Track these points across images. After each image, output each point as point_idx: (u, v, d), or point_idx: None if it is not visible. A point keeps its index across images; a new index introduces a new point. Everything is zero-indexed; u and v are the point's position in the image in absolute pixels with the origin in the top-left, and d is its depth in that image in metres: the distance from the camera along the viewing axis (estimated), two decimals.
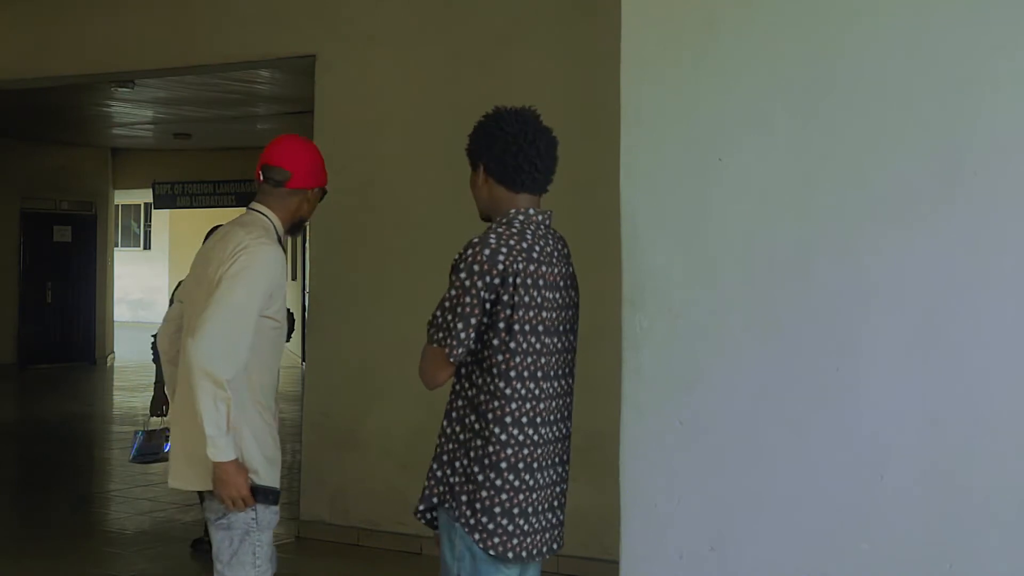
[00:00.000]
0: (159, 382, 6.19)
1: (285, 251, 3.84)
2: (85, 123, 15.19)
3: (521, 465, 3.13)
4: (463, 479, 3.13)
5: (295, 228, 3.91)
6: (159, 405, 6.35)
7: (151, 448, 6.26)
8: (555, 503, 3.26)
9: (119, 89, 11.68)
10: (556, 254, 3.25)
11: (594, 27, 5.89)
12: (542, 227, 3.25)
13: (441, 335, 3.10)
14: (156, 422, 6.47)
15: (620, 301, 3.29)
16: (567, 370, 3.29)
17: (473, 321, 3.06)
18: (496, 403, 3.11)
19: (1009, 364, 2.86)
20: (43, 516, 8.01)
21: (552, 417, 3.21)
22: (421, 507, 3.22)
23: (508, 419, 3.11)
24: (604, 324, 3.74)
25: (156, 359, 5.96)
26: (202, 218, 23.97)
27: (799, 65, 3.11)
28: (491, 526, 3.11)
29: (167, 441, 5.78)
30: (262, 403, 3.74)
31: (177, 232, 26.81)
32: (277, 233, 3.80)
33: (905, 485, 2.95)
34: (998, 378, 2.87)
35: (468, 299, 3.06)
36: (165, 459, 5.95)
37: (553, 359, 3.20)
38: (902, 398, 2.95)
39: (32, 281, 17.00)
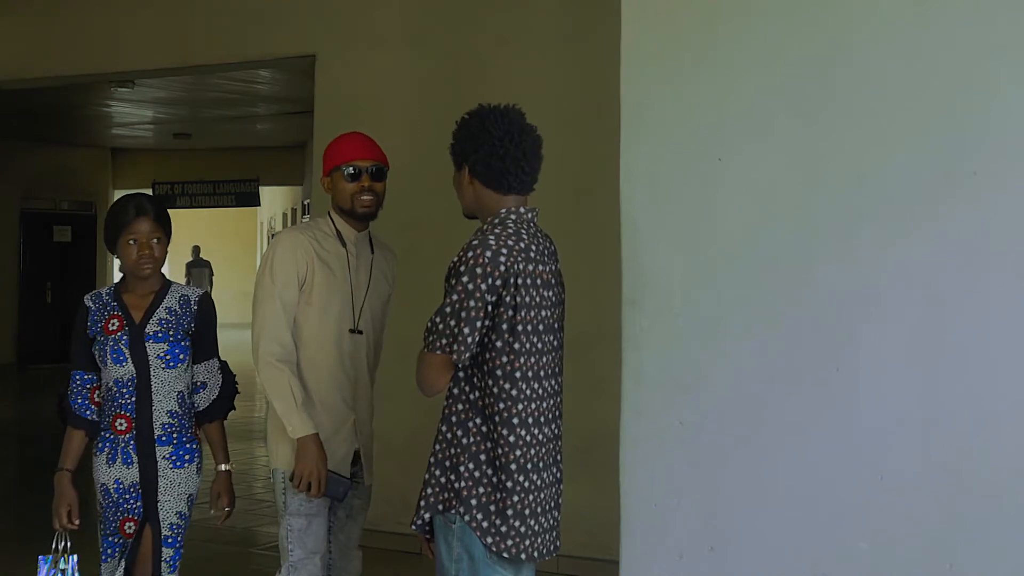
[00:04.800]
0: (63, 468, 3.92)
1: (347, 244, 3.95)
2: (85, 123, 15.19)
3: (529, 466, 3.11)
4: (471, 483, 3.09)
5: (354, 216, 3.96)
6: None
7: None
8: (555, 503, 3.26)
9: (119, 89, 11.69)
10: (546, 252, 3.23)
11: (594, 27, 5.89)
12: (532, 225, 3.22)
13: (444, 342, 3.06)
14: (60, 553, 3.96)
15: (620, 301, 3.29)
16: (559, 368, 3.27)
17: (478, 324, 3.04)
18: (502, 405, 3.08)
19: (1009, 364, 2.86)
20: (43, 516, 8.00)
21: (549, 416, 3.19)
22: (427, 515, 3.15)
23: (515, 420, 3.09)
24: (604, 324, 3.74)
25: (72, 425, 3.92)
26: (202, 218, 24.01)
27: (799, 65, 3.11)
28: (504, 528, 3.09)
29: None
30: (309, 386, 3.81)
31: (177, 232, 26.75)
32: (334, 225, 3.95)
33: (905, 485, 2.95)
34: (998, 378, 2.88)
35: (472, 303, 3.03)
36: None
37: (547, 358, 3.18)
38: (902, 398, 2.96)
39: (32, 281, 16.97)
